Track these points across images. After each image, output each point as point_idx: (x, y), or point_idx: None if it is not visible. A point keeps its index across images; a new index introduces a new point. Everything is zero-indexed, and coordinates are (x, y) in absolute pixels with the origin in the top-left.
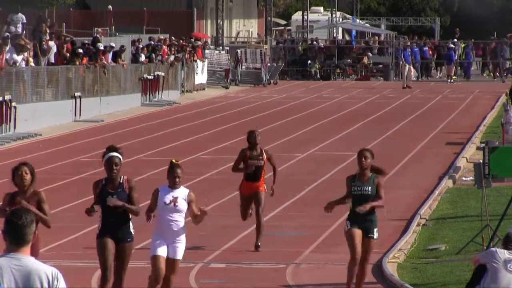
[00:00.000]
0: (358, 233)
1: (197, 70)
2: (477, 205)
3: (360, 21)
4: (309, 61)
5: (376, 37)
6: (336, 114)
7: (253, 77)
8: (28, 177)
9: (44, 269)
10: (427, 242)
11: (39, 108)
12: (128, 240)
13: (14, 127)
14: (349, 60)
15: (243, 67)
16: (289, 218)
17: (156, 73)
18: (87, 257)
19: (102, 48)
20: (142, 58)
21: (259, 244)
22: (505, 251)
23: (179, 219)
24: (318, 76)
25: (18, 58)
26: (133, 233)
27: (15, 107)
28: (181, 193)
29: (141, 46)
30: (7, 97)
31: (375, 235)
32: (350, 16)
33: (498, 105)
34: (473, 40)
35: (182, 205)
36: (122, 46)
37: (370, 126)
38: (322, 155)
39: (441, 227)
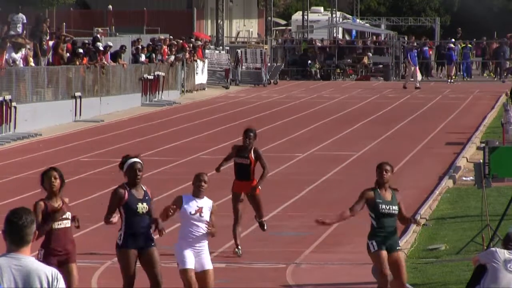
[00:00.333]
0: (385, 254)
1: (197, 70)
2: (477, 205)
3: (360, 21)
4: (309, 61)
5: (374, 37)
6: (336, 114)
7: (253, 77)
8: (57, 182)
9: (44, 269)
10: (427, 242)
11: (39, 108)
12: (152, 244)
13: (14, 127)
14: (349, 60)
15: (243, 67)
16: (289, 218)
17: (156, 73)
18: (87, 257)
19: (101, 48)
20: (142, 58)
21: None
22: (505, 251)
23: (204, 229)
24: (318, 76)
25: (17, 56)
26: (154, 238)
27: (15, 107)
28: (206, 203)
29: (140, 46)
30: (7, 97)
31: (400, 246)
32: (350, 16)
33: (498, 105)
34: (475, 39)
35: (207, 215)
36: (123, 46)
37: (370, 126)
38: (322, 155)
39: (441, 227)
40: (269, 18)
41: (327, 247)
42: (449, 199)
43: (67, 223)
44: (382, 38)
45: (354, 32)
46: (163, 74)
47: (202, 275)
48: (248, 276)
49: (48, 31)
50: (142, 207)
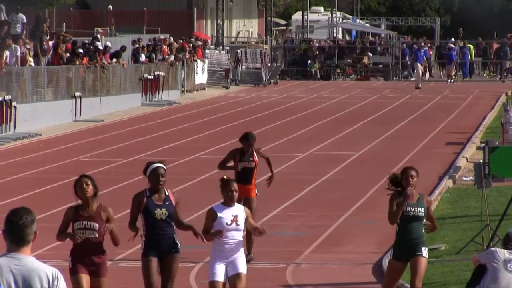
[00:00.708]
0: (399, 266)
1: (197, 70)
2: (477, 205)
3: (360, 21)
4: (309, 61)
5: (372, 38)
6: (336, 114)
7: (253, 77)
8: (90, 188)
9: (44, 269)
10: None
11: (39, 108)
12: (173, 250)
13: (14, 127)
14: (349, 60)
15: (243, 67)
16: (289, 218)
17: (156, 73)
18: None
19: (101, 48)
20: (142, 58)
21: (251, 254)
22: (505, 251)
23: (239, 237)
24: (318, 76)
25: (15, 52)
26: (179, 245)
27: (15, 107)
28: (239, 210)
29: (140, 46)
30: (7, 97)
31: (424, 253)
32: (350, 16)
33: (498, 105)
34: (480, 38)
35: (242, 222)
36: (123, 47)
37: (370, 126)
38: (322, 155)
39: (441, 227)
40: (269, 18)
41: (327, 247)
42: (449, 199)
43: (90, 234)
44: (381, 37)
45: (354, 32)
46: (163, 74)
47: (234, 278)
48: (248, 276)
49: (48, 31)
50: (160, 212)
